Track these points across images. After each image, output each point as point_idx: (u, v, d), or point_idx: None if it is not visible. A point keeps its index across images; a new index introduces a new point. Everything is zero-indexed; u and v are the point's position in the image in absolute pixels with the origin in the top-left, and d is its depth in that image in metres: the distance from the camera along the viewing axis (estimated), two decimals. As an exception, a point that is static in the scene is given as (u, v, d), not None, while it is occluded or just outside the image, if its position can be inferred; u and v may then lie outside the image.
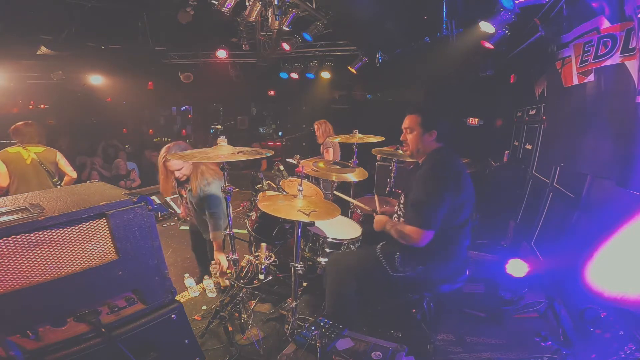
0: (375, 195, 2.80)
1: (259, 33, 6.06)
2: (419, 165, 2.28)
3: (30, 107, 8.99)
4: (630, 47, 2.29)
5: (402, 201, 2.29)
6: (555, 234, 3.25)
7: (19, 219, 1.21)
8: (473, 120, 6.42)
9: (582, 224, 2.78)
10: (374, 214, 2.56)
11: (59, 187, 3.45)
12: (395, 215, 2.35)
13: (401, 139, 2.28)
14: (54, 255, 1.28)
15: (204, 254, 3.20)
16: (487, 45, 3.79)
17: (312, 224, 2.57)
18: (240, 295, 2.46)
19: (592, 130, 2.82)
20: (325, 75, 7.18)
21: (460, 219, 2.07)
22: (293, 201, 2.21)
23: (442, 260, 2.13)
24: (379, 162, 5.20)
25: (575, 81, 3.10)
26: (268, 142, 9.62)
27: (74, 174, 3.61)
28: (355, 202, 2.85)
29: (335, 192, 3.23)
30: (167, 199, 4.18)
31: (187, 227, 3.20)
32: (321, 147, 5.17)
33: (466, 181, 2.07)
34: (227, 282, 2.77)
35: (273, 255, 2.34)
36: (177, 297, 1.65)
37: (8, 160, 3.29)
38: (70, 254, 1.32)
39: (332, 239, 2.50)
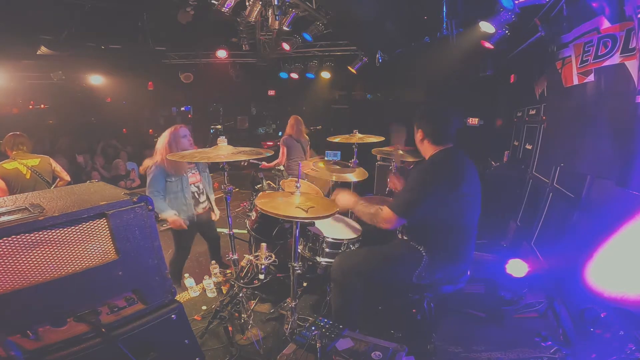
0: None
1: (259, 33, 6.06)
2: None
3: (30, 107, 9.00)
4: (630, 47, 2.29)
5: None
6: (556, 234, 3.25)
7: (19, 219, 1.21)
8: (473, 120, 6.41)
9: (582, 224, 2.78)
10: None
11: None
12: None
13: None
14: (54, 255, 1.28)
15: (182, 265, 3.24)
16: (487, 45, 3.79)
17: (312, 224, 2.56)
18: (240, 295, 2.46)
19: (592, 131, 2.82)
20: (325, 75, 7.18)
21: (466, 217, 2.06)
22: (291, 198, 2.17)
23: (452, 263, 2.13)
24: (379, 162, 5.21)
25: (576, 81, 3.10)
26: (268, 142, 9.61)
27: (68, 178, 3.72)
28: None
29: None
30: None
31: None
32: None
33: (467, 176, 2.02)
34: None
35: (273, 255, 2.33)
36: (177, 297, 1.65)
37: (8, 176, 3.24)
38: (70, 254, 1.31)
39: (332, 239, 2.49)
